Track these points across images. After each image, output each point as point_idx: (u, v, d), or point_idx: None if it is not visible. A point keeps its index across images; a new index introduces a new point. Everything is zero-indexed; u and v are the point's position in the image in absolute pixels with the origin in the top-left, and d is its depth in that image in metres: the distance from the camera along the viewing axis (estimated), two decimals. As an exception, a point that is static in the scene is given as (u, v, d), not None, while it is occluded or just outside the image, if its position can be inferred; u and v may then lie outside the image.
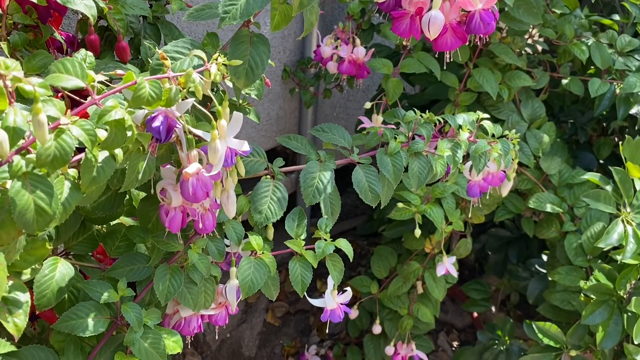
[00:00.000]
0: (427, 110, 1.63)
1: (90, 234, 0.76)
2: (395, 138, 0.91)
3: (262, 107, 1.67)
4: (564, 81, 1.45)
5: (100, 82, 0.61)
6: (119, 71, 0.63)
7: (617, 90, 1.40)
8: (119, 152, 0.58)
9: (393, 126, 1.02)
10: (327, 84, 1.65)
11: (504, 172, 1.09)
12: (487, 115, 1.04)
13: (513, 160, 1.10)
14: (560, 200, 1.37)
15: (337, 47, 1.26)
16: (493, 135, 1.04)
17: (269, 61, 1.03)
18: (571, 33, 1.40)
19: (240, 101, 1.05)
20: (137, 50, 0.97)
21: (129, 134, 0.58)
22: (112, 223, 0.80)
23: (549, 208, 1.35)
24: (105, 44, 0.95)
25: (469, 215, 1.41)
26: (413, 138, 0.95)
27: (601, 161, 1.59)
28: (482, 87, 1.31)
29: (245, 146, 0.65)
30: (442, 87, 1.41)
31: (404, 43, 0.95)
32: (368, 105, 1.24)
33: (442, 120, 1.01)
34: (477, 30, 0.83)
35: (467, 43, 0.86)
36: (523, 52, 1.43)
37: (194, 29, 1.43)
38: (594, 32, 1.54)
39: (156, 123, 0.60)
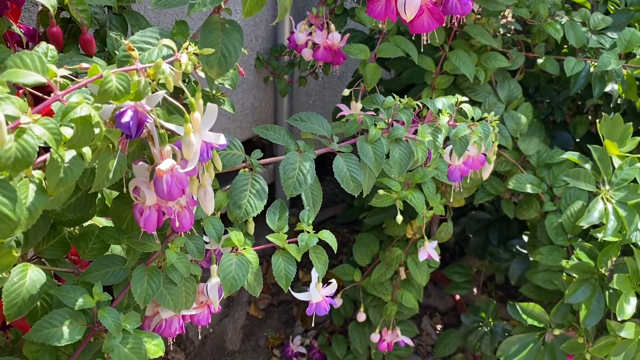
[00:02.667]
0: (404, 95, 1.62)
1: (62, 237, 0.72)
2: (375, 125, 0.88)
3: (236, 98, 1.63)
4: (539, 61, 1.44)
5: (65, 77, 0.57)
6: (84, 64, 0.59)
7: (592, 69, 1.40)
8: (87, 150, 0.54)
9: (373, 113, 1.00)
10: (302, 71, 1.61)
11: (485, 155, 1.08)
12: (466, 99, 1.02)
13: (493, 142, 1.09)
14: (539, 180, 1.37)
15: (311, 33, 1.23)
16: (472, 119, 1.03)
17: (242, 49, 1.00)
18: (545, 12, 1.39)
19: (214, 92, 1.01)
20: (103, 42, 0.93)
21: (96, 131, 0.54)
22: (84, 224, 0.76)
23: (528, 189, 1.35)
24: (69, 37, 0.90)
25: (450, 200, 1.39)
26: (392, 124, 0.93)
27: (577, 140, 1.59)
28: (459, 70, 1.30)
29: (221, 139, 0.61)
30: (419, 71, 1.39)
31: (380, 26, 0.92)
32: (346, 92, 1.21)
33: (421, 105, 0.98)
34: (454, 10, 0.81)
35: (443, 24, 0.84)
36: (497, 33, 1.42)
37: (162, 19, 1.38)
38: (567, 10, 1.53)
39: (125, 118, 0.56)
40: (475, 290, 1.93)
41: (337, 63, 1.27)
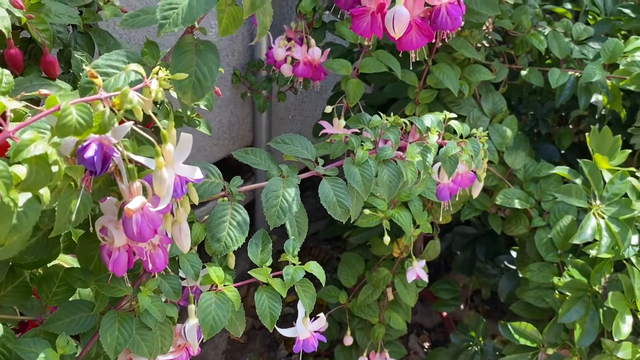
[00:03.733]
0: (386, 110, 1.57)
1: (22, 280, 0.65)
2: (363, 146, 0.83)
3: (212, 115, 1.57)
4: (523, 73, 1.41)
5: (26, 103, 0.50)
6: (43, 91, 0.53)
7: (577, 80, 1.37)
8: (44, 192, 0.48)
9: (357, 131, 0.94)
10: (280, 86, 1.56)
11: (474, 172, 1.03)
12: (454, 115, 0.97)
13: (483, 159, 1.04)
14: (527, 195, 1.33)
15: (290, 48, 1.17)
16: (461, 136, 0.98)
17: (219, 70, 0.94)
18: (528, 23, 1.36)
19: (189, 112, 0.95)
20: (67, 63, 0.86)
21: (54, 169, 0.47)
22: (48, 265, 0.69)
23: (517, 204, 1.31)
24: (29, 58, 0.83)
25: (437, 217, 1.35)
26: (379, 144, 0.87)
27: (562, 151, 1.56)
28: (443, 84, 1.25)
29: (197, 173, 0.55)
30: (401, 85, 1.35)
31: (365, 43, 0.87)
32: (329, 109, 1.16)
33: (408, 123, 0.93)
34: (444, 25, 0.76)
35: (433, 41, 0.79)
36: (480, 45, 1.38)
37: (133, 36, 1.31)
38: (548, 21, 1.50)
39: (89, 153, 0.50)
40: (462, 305, 1.88)
41: (318, 79, 1.22)
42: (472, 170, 1.01)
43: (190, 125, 0.97)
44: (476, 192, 1.09)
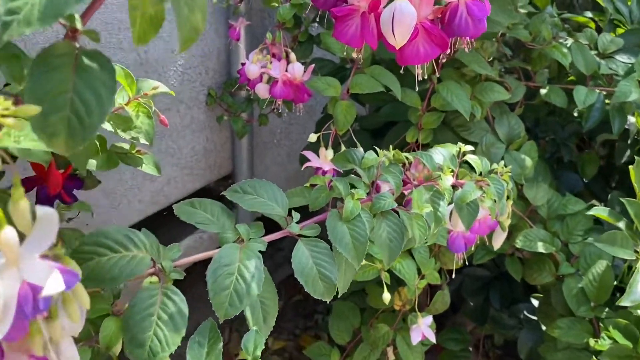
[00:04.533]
0: (383, 134, 1.35)
1: None
2: (353, 193, 0.60)
3: (183, 141, 1.34)
4: (543, 91, 1.19)
5: None
6: None
7: (606, 99, 1.15)
8: None
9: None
10: (262, 108, 1.34)
11: (496, 220, 0.81)
12: (471, 148, 0.75)
13: (507, 202, 0.82)
14: (551, 236, 1.10)
15: (267, 64, 0.95)
16: (480, 173, 0.76)
17: (167, 90, 0.72)
18: (548, 34, 1.14)
19: (129, 146, 0.73)
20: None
21: None
22: None
23: (540, 247, 1.08)
24: None
25: (446, 262, 1.12)
26: (376, 189, 0.65)
27: (586, 181, 1.34)
28: (450, 105, 1.03)
29: (56, 284, 0.32)
30: (400, 106, 1.12)
31: (355, 55, 0.66)
32: (313, 137, 0.94)
33: (412, 159, 0.71)
34: (463, 30, 0.54)
35: (447, 51, 0.57)
36: (492, 58, 1.16)
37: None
38: (568, 32, 1.29)
39: None
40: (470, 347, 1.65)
41: (301, 101, 0.99)
42: (493, 216, 0.79)
43: (130, 164, 0.74)
44: (498, 243, 0.86)
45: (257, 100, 1.31)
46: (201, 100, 1.35)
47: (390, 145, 1.13)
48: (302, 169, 0.95)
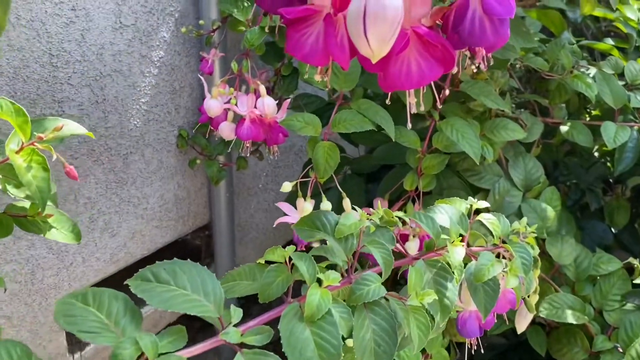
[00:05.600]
0: (379, 179, 1.16)
1: None
2: (320, 280, 0.41)
3: (150, 189, 1.16)
4: (563, 128, 1.00)
5: None
6: None
7: (635, 133, 0.96)
8: None
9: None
10: (239, 150, 1.15)
11: (522, 298, 0.61)
12: (486, 204, 0.56)
13: (534, 273, 0.62)
14: (582, 302, 0.90)
15: (231, 99, 0.77)
16: (502, 240, 0.56)
17: (81, 130, 0.54)
18: (569, 62, 0.96)
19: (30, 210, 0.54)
20: None
21: None
22: None
23: (570, 317, 0.87)
24: None
25: (455, 333, 0.91)
26: (355, 269, 0.46)
27: (616, 232, 1.14)
28: (456, 146, 0.85)
29: None
30: (397, 146, 0.94)
31: (318, 78, 0.46)
32: (287, 186, 0.75)
33: (407, 220, 0.52)
34: (478, 37, 0.35)
35: (453, 70, 0.38)
36: (505, 91, 0.98)
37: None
38: (588, 61, 1.11)
39: None
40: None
41: (275, 142, 0.81)
42: (519, 297, 0.58)
43: (32, 231, 0.55)
44: (522, 326, 0.66)
45: (235, 141, 1.13)
46: (171, 142, 1.17)
47: (386, 194, 0.94)
48: (274, 225, 0.76)
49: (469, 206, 0.56)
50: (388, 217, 0.50)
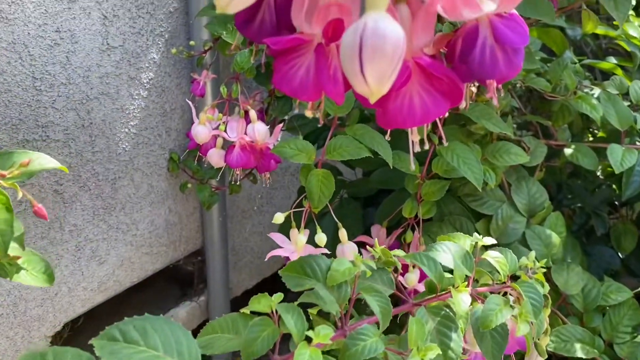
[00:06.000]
0: (377, 203, 1.12)
1: None
2: (308, 338, 0.36)
3: (139, 215, 1.11)
4: (567, 151, 0.96)
5: None
6: None
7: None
8: None
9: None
10: (231, 174, 1.11)
11: (533, 341, 0.56)
12: (492, 241, 0.52)
13: (544, 310, 0.57)
14: (591, 334, 0.85)
15: (220, 125, 0.73)
16: (511, 277, 0.52)
17: (52, 164, 0.50)
18: (572, 83, 0.92)
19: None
20: None
21: None
22: None
23: (579, 351, 0.83)
24: None
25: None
26: (352, 316, 0.41)
27: (623, 256, 1.10)
28: (457, 172, 0.81)
29: None
30: (395, 170, 0.90)
31: (309, 114, 0.42)
32: (279, 218, 0.70)
33: (409, 264, 0.48)
34: (489, 69, 0.30)
35: (461, 105, 0.34)
36: (507, 113, 0.94)
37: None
38: (591, 80, 1.08)
39: None
40: None
41: (267, 169, 0.77)
42: (529, 341, 0.54)
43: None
44: (533, 369, 0.61)
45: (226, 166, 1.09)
46: (162, 165, 1.13)
47: (385, 221, 0.90)
48: (266, 259, 0.71)
49: (474, 242, 0.51)
50: (386, 258, 0.46)
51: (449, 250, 0.49)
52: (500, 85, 0.34)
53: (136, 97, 1.04)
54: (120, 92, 1.01)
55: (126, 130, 1.04)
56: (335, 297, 0.40)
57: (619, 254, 1.08)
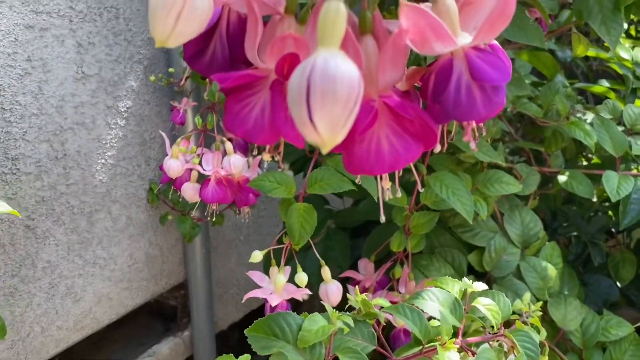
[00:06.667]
0: (366, 234, 1.08)
1: None
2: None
3: (118, 248, 1.06)
4: (561, 178, 0.93)
5: None
6: None
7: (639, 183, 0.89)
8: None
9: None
10: (207, 209, 1.07)
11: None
12: (482, 286, 0.47)
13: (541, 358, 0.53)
14: (592, 373, 0.81)
15: (194, 158, 0.69)
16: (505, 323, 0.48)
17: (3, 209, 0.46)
18: (565, 108, 0.89)
19: None
20: None
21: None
22: None
23: (579, 393, 0.78)
24: None
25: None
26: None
27: (621, 286, 1.05)
28: (446, 203, 0.77)
29: None
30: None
31: (266, 158, 0.38)
32: (257, 257, 0.66)
33: (390, 317, 0.43)
34: (466, 109, 0.27)
35: (435, 147, 0.30)
36: (497, 140, 0.91)
37: None
38: (584, 105, 1.05)
39: None
40: None
41: (245, 204, 0.73)
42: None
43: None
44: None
45: (208, 196, 1.05)
46: (141, 197, 1.09)
47: (372, 255, 0.85)
48: (243, 301, 0.67)
49: (462, 289, 0.47)
50: (366, 309, 0.42)
51: (436, 299, 0.45)
52: (482, 124, 0.31)
53: (113, 126, 1.00)
54: (97, 121, 0.97)
55: (103, 161, 1.00)
56: (310, 357, 0.36)
57: (617, 283, 1.03)
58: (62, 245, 0.97)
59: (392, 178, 0.30)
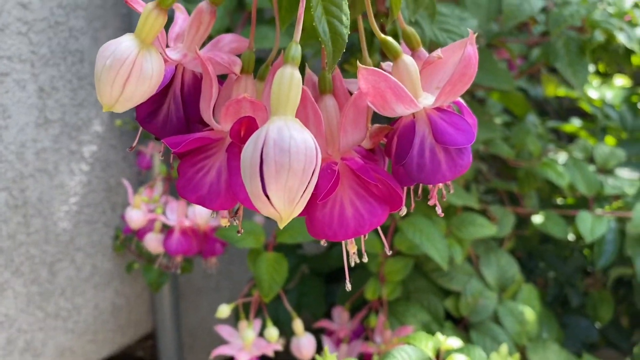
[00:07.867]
0: (338, 279, 1.06)
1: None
2: None
3: (82, 299, 1.03)
4: (536, 219, 0.93)
5: None
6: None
7: (612, 223, 0.90)
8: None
9: None
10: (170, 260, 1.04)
11: None
12: (456, 343, 0.46)
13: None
14: (574, 421, 0.79)
15: (157, 208, 0.68)
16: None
17: None
18: (537, 149, 0.90)
19: None
20: None
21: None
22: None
23: None
24: None
25: None
26: None
27: (599, 327, 1.05)
28: (420, 248, 0.76)
29: None
30: (356, 245, 0.85)
31: (223, 223, 0.38)
32: (224, 311, 0.64)
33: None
34: (431, 172, 0.27)
35: (401, 209, 0.30)
36: (471, 183, 0.91)
37: None
38: (555, 143, 1.07)
39: None
40: None
41: (212, 254, 0.71)
42: None
43: None
44: None
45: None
46: (106, 244, 1.05)
47: (347, 303, 0.84)
48: (211, 357, 0.64)
49: (436, 346, 0.46)
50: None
51: (408, 357, 0.43)
52: (449, 182, 0.30)
53: (77, 172, 0.98)
54: (59, 167, 0.95)
55: (66, 208, 0.97)
56: None
57: (594, 324, 1.03)
58: (21, 297, 0.93)
59: (358, 241, 0.29)
